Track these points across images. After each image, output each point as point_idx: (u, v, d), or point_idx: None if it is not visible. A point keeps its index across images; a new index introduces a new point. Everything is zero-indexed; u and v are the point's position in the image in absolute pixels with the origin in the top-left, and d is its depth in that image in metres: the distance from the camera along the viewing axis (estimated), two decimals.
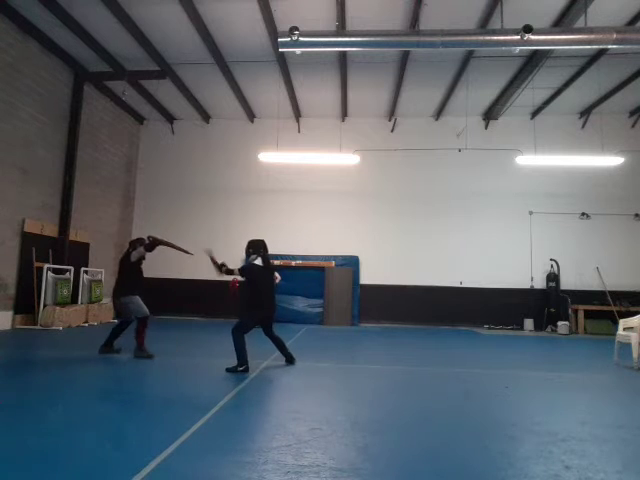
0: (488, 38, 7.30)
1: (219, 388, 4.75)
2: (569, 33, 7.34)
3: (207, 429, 3.41)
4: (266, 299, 6.20)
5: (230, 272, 6.23)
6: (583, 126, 13.60)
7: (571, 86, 11.63)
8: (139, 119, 14.63)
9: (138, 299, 6.56)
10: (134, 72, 11.34)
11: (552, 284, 12.93)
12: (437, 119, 14.02)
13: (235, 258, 13.60)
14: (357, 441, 3.23)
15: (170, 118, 14.61)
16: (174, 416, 3.77)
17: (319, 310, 13.32)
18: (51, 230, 10.83)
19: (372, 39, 7.45)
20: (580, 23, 8.11)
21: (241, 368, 5.66)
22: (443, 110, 13.47)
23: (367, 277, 13.71)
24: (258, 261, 6.31)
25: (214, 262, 6.24)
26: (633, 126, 13.51)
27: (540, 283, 13.27)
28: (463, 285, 13.49)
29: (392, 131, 14.13)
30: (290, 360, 6.32)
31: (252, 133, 14.38)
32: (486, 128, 13.98)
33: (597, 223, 13.35)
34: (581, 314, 12.57)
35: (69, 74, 11.23)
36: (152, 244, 6.56)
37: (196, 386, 4.97)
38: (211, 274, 13.79)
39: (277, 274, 6.71)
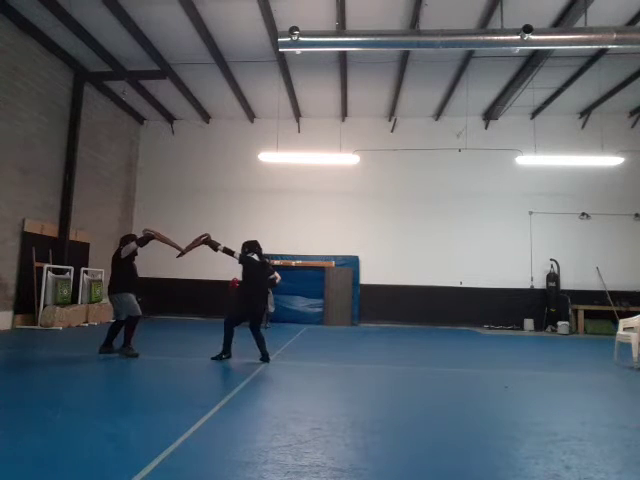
0: (488, 38, 7.29)
1: (219, 388, 4.75)
2: (569, 33, 7.34)
3: (207, 429, 3.41)
4: (257, 293, 6.52)
5: (229, 251, 6.51)
6: (583, 126, 13.60)
7: (571, 86, 11.63)
8: (139, 119, 14.63)
9: (131, 297, 6.43)
10: (134, 72, 11.34)
11: (552, 284, 12.93)
12: (437, 119, 14.02)
13: (235, 259, 13.63)
14: (357, 441, 3.22)
15: (170, 118, 14.61)
16: (174, 416, 3.77)
17: (319, 310, 13.32)
18: (51, 230, 10.83)
19: (372, 39, 7.44)
20: (580, 23, 8.11)
21: (224, 355, 6.33)
22: (443, 110, 13.47)
23: (367, 277, 13.71)
24: (254, 258, 6.67)
25: (209, 242, 6.52)
26: (633, 126, 13.51)
27: (540, 283, 13.26)
28: (463, 285, 13.48)
29: (392, 131, 14.13)
30: (265, 358, 6.37)
31: (252, 133, 14.38)
32: (486, 128, 13.98)
33: (597, 223, 13.35)
34: (581, 314, 12.57)
35: (69, 74, 11.23)
36: (145, 238, 6.49)
37: (196, 386, 4.97)
38: (210, 274, 13.80)
39: (277, 274, 6.83)
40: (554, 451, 3.11)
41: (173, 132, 14.79)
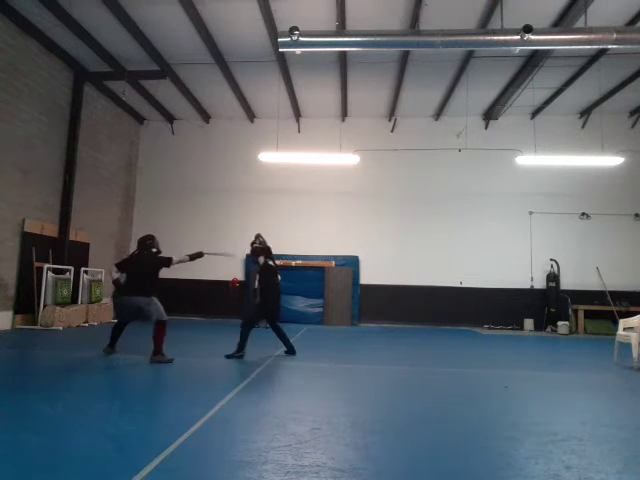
0: (488, 38, 7.30)
1: (219, 388, 4.75)
2: (569, 33, 7.34)
3: (207, 429, 3.41)
4: (276, 296, 7.17)
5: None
6: (583, 126, 13.60)
7: (571, 86, 11.63)
8: (139, 119, 14.63)
9: (158, 301, 6.47)
10: (134, 72, 11.34)
11: (552, 284, 12.93)
12: (437, 119, 14.02)
13: (235, 258, 13.63)
14: (357, 441, 3.23)
15: (170, 118, 14.61)
16: (174, 416, 3.77)
17: (319, 310, 13.31)
18: (51, 230, 10.83)
19: (372, 39, 7.45)
20: (580, 23, 8.11)
21: (238, 354, 6.62)
22: (443, 110, 13.47)
23: (367, 277, 13.71)
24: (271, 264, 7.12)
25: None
26: (633, 126, 13.51)
27: (540, 283, 13.26)
28: (463, 285, 13.48)
29: (392, 131, 14.13)
30: (291, 351, 7.02)
31: (252, 133, 14.38)
32: (486, 128, 13.98)
33: (597, 223, 13.35)
34: (581, 314, 12.57)
35: (69, 74, 11.23)
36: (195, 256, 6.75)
37: (196, 386, 4.97)
38: (210, 274, 13.81)
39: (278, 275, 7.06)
40: (554, 451, 3.11)
41: (173, 132, 14.80)
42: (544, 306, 13.01)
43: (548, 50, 9.66)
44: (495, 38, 7.25)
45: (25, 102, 9.86)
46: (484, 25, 8.93)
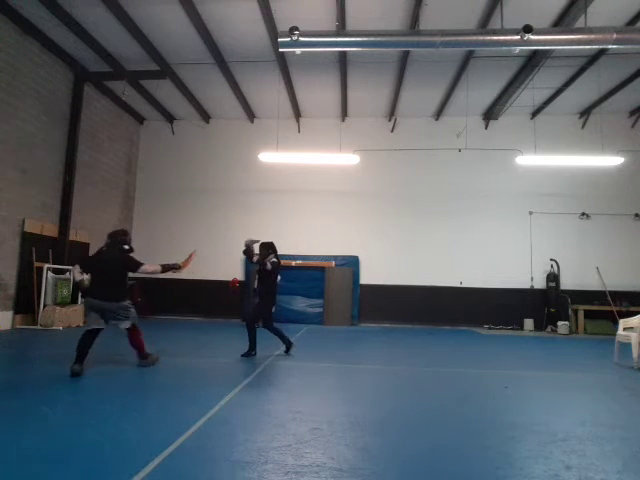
0: (488, 38, 7.30)
1: (219, 388, 4.75)
2: (569, 33, 7.34)
3: (207, 429, 3.41)
4: (275, 293, 7.17)
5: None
6: (583, 126, 13.60)
7: (571, 86, 11.63)
8: (139, 119, 14.63)
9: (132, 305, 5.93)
10: (134, 72, 11.35)
11: (552, 284, 12.92)
12: (437, 119, 14.02)
13: (235, 258, 13.66)
14: (357, 441, 3.22)
15: (170, 118, 14.61)
16: (174, 416, 3.77)
17: (319, 310, 13.31)
18: (51, 230, 10.83)
19: (372, 39, 7.45)
20: (580, 23, 8.12)
21: (253, 352, 6.78)
22: (443, 110, 13.47)
23: (367, 277, 13.71)
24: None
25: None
26: (633, 126, 13.51)
27: (540, 283, 13.26)
28: (463, 285, 13.49)
29: (392, 131, 14.13)
30: (289, 347, 7.10)
31: (252, 133, 14.38)
32: (486, 128, 13.99)
33: (597, 223, 13.35)
34: (581, 314, 12.57)
35: (69, 74, 11.23)
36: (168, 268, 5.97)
37: (196, 386, 4.97)
38: (210, 274, 13.82)
39: None
40: (554, 451, 3.11)
41: (173, 132, 14.80)
42: (544, 306, 13.01)
43: (548, 50, 9.66)
44: (495, 38, 7.26)
45: (25, 102, 9.87)
46: (484, 25, 8.93)
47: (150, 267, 5.72)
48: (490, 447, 3.21)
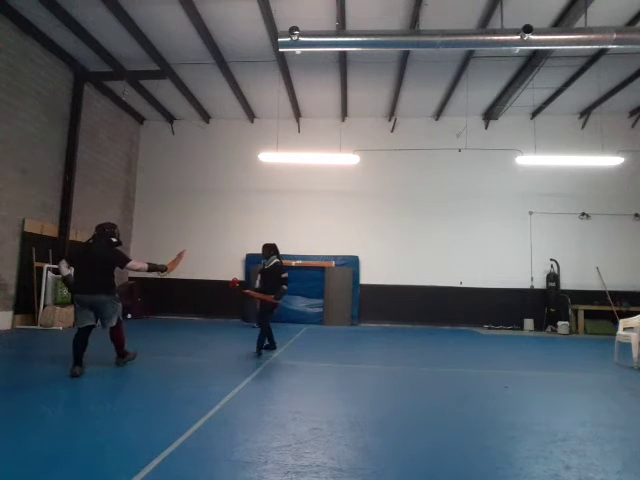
0: (488, 38, 7.30)
1: (219, 388, 4.75)
2: (569, 33, 7.34)
3: (207, 429, 3.41)
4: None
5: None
6: (583, 126, 13.60)
7: (571, 86, 11.62)
8: (139, 119, 14.63)
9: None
10: (134, 72, 11.34)
11: (552, 284, 12.92)
12: (437, 119, 14.02)
13: (235, 258, 13.66)
14: (357, 441, 3.22)
15: (170, 118, 14.61)
16: (174, 416, 3.77)
17: (319, 310, 13.31)
18: (51, 230, 10.83)
19: (372, 39, 7.45)
20: (580, 23, 8.11)
21: (273, 348, 7.11)
22: (443, 110, 13.46)
23: (367, 277, 13.71)
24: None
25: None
26: (633, 126, 13.50)
27: (540, 283, 13.26)
28: (463, 285, 13.48)
29: (392, 131, 14.13)
30: (271, 348, 7.29)
31: (252, 133, 14.38)
32: (486, 128, 13.98)
33: (597, 223, 13.35)
34: (581, 314, 12.57)
35: (69, 74, 11.22)
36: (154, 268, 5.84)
37: (196, 386, 4.97)
38: (210, 274, 13.84)
39: None
40: (554, 451, 3.11)
41: (173, 132, 14.79)
42: (544, 306, 13.00)
43: (548, 50, 9.66)
44: (495, 38, 7.25)
45: (25, 102, 9.86)
46: (484, 25, 8.93)
47: (137, 264, 5.65)
48: (490, 447, 3.21)
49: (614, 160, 11.40)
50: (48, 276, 10.22)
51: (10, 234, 9.63)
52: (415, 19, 8.65)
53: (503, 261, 13.40)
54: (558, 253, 13.20)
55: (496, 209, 13.67)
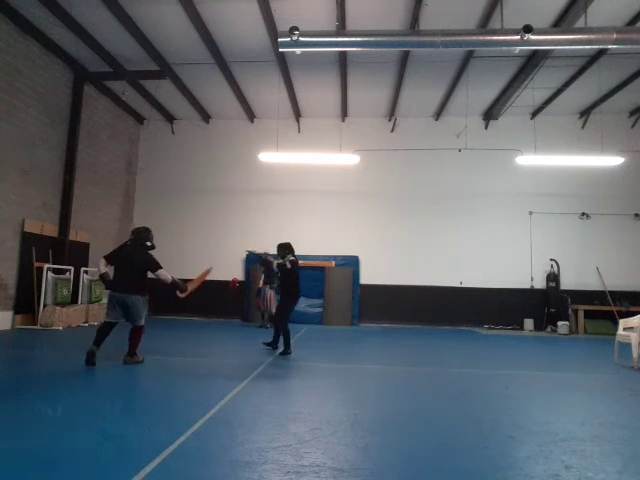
0: (488, 38, 7.29)
1: (219, 388, 4.75)
2: (569, 33, 7.34)
3: (207, 429, 3.41)
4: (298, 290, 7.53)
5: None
6: (583, 126, 13.60)
7: (571, 86, 11.62)
8: (139, 119, 14.63)
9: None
10: (134, 72, 11.35)
11: (552, 284, 12.92)
12: (437, 119, 14.02)
13: (235, 258, 13.66)
14: (357, 441, 3.22)
15: (170, 118, 14.61)
16: (174, 416, 3.77)
17: (319, 310, 13.30)
18: (51, 230, 10.83)
19: (372, 39, 7.44)
20: (580, 23, 8.11)
21: (289, 350, 6.94)
22: (443, 110, 13.47)
23: (367, 277, 13.71)
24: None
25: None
26: (633, 126, 13.51)
27: (540, 283, 13.26)
28: (463, 285, 13.48)
29: (392, 131, 14.13)
30: (286, 353, 7.06)
31: (252, 133, 14.38)
32: (486, 128, 13.98)
33: (597, 223, 13.35)
34: (581, 314, 12.57)
35: (69, 74, 11.23)
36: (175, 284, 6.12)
37: (196, 386, 4.97)
38: (210, 274, 13.83)
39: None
40: (554, 451, 3.11)
41: (173, 132, 14.80)
42: (544, 306, 13.01)
43: (548, 50, 9.66)
44: (495, 38, 7.25)
45: (25, 102, 9.86)
46: (484, 25, 8.93)
47: (164, 274, 5.96)
48: (490, 447, 3.21)
49: (614, 160, 11.40)
50: (48, 276, 10.22)
51: (10, 234, 9.63)
52: (415, 19, 8.65)
53: (503, 261, 13.40)
54: (558, 253, 13.20)
55: (496, 209, 13.68)
